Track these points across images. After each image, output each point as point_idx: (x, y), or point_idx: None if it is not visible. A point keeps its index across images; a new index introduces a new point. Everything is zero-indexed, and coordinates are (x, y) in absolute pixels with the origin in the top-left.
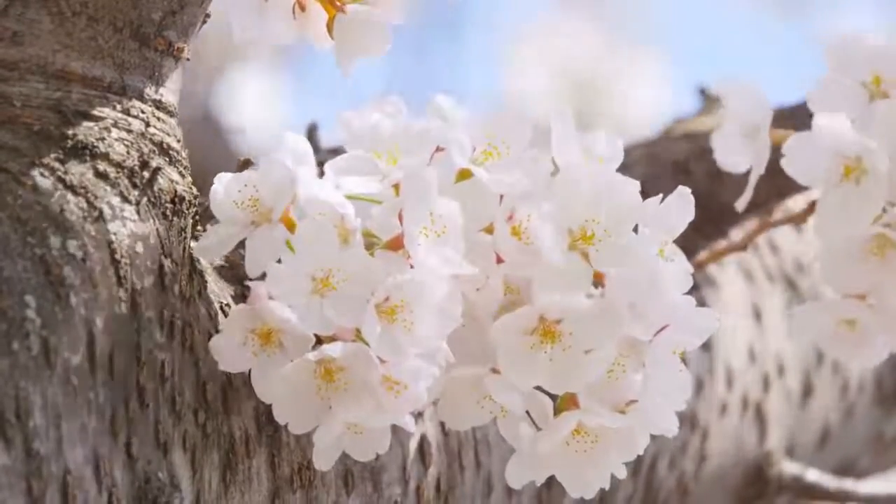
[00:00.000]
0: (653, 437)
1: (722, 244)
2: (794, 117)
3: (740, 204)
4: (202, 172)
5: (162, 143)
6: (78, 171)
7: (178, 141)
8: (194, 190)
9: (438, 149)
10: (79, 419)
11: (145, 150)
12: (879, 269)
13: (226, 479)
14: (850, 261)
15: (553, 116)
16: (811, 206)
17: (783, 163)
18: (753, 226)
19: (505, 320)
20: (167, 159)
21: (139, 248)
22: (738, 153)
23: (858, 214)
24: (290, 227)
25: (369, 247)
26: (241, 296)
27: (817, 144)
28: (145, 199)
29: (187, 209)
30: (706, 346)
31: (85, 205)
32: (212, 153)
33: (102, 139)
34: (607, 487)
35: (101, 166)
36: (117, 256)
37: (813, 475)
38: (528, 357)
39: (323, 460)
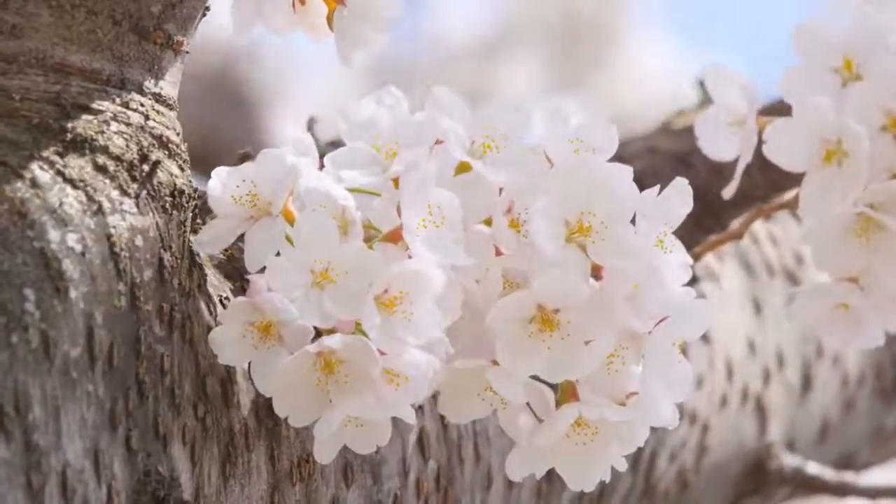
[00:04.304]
0: (653, 430)
1: (718, 235)
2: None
3: (728, 192)
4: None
5: (161, 136)
6: (77, 165)
7: (178, 134)
8: (194, 183)
9: (438, 141)
10: (78, 412)
11: (145, 143)
12: (866, 250)
13: (225, 472)
14: (837, 244)
15: (546, 113)
16: None
17: (765, 149)
18: (750, 215)
19: (502, 306)
20: (166, 152)
21: (138, 241)
22: (724, 141)
23: (841, 197)
24: (291, 220)
25: (369, 239)
26: (241, 290)
27: (798, 129)
28: (145, 192)
29: (187, 202)
30: (706, 339)
31: (84, 198)
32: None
33: (102, 132)
34: (608, 480)
35: (101, 159)
36: (117, 250)
37: (813, 468)
38: (527, 345)
39: (323, 453)
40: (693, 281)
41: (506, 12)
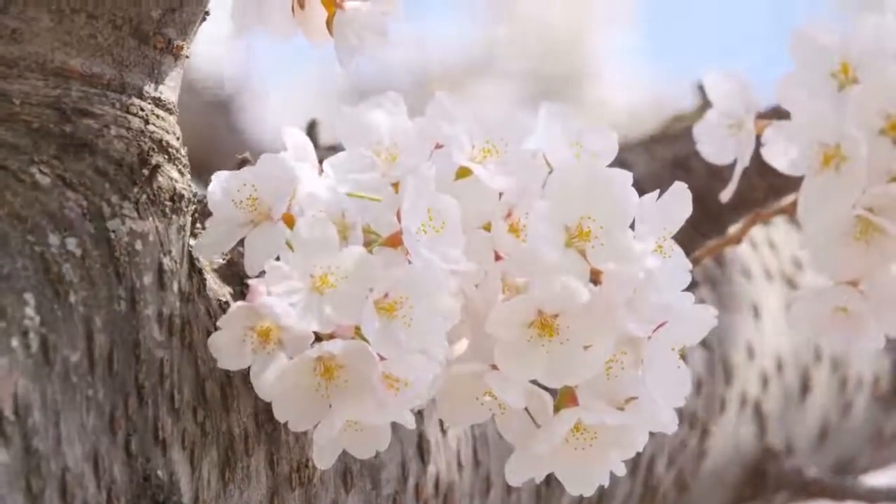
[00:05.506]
0: (652, 434)
1: (716, 240)
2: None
3: (725, 195)
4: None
5: (161, 140)
6: (77, 169)
7: (178, 138)
8: (193, 187)
9: (438, 145)
10: (78, 417)
11: (144, 147)
12: (865, 253)
13: (224, 477)
14: (836, 247)
15: (544, 114)
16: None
17: (763, 152)
18: (748, 220)
19: (501, 311)
20: (166, 157)
21: (138, 245)
22: (723, 145)
23: (839, 201)
24: (291, 224)
25: (369, 244)
26: (241, 294)
27: (797, 132)
28: (144, 196)
29: (186, 207)
30: (705, 344)
31: (84, 202)
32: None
33: (102, 136)
34: (607, 485)
35: (101, 163)
36: (116, 254)
37: (812, 472)
38: (525, 350)
39: (323, 458)
40: (692, 285)
41: (482, 35)
